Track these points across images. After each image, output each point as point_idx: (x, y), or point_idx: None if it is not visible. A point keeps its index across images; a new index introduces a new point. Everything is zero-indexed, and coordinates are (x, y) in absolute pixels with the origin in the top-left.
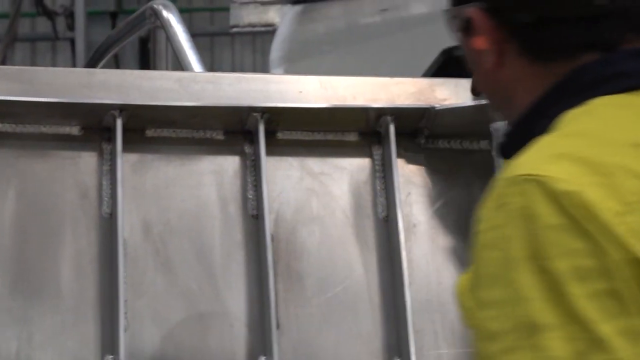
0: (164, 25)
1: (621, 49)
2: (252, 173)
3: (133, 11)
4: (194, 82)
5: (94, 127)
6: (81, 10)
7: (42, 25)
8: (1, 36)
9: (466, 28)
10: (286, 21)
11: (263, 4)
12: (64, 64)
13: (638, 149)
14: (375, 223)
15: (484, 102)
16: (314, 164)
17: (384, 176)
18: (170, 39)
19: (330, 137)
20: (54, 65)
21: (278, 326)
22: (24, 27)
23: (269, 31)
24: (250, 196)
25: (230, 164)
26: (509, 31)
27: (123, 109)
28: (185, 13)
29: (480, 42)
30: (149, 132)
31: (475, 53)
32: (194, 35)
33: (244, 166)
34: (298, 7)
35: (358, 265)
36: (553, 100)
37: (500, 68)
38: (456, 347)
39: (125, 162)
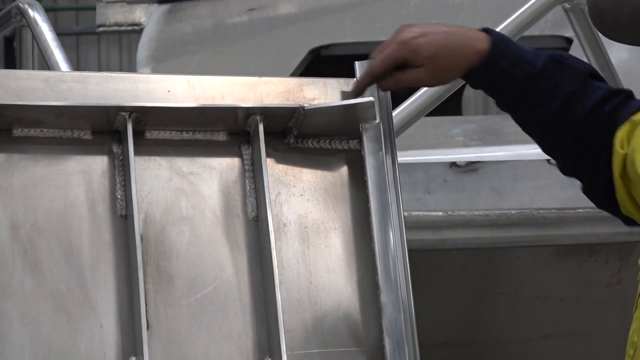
0: (30, 25)
1: None
2: (120, 173)
3: None
4: (61, 82)
5: None
6: None
7: None
8: None
9: None
10: (153, 20)
11: (129, 3)
12: None
13: None
14: (245, 223)
15: (352, 101)
16: (183, 163)
17: (253, 176)
18: (36, 38)
19: (199, 136)
20: None
21: (148, 326)
22: None
23: (136, 30)
24: (119, 196)
25: (98, 163)
26: None
27: None
28: (51, 12)
29: None
30: (16, 132)
31: None
32: (60, 35)
33: (112, 166)
34: (165, 7)
35: (228, 265)
36: None
37: None
38: (327, 347)
39: None
